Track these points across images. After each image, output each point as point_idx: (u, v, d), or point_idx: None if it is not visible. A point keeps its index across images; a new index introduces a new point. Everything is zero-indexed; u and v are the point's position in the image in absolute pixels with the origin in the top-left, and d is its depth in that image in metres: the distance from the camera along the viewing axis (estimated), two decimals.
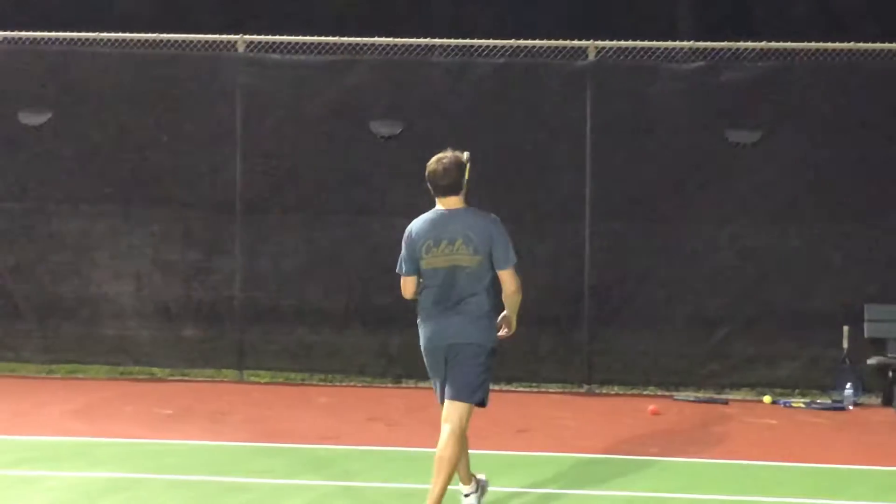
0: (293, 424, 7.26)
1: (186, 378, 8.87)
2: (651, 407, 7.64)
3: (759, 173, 8.15)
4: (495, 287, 4.63)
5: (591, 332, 8.21)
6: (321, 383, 8.80)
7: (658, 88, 8.21)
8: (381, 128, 8.44)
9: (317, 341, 8.60)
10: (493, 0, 13.55)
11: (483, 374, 4.60)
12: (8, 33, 8.55)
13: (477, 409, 4.65)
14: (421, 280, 4.66)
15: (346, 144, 8.43)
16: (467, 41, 8.46)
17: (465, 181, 4.59)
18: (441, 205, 4.64)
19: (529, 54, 8.30)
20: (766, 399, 8.06)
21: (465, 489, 4.80)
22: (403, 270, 4.69)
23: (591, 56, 8.23)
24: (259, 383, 8.83)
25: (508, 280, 4.61)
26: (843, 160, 8.10)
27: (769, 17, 11.92)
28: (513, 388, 8.52)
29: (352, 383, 8.72)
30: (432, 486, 4.44)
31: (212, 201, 8.53)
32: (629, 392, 8.09)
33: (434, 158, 4.62)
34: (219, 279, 8.63)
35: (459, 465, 4.61)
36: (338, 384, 8.76)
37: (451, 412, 4.52)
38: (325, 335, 8.54)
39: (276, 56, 8.55)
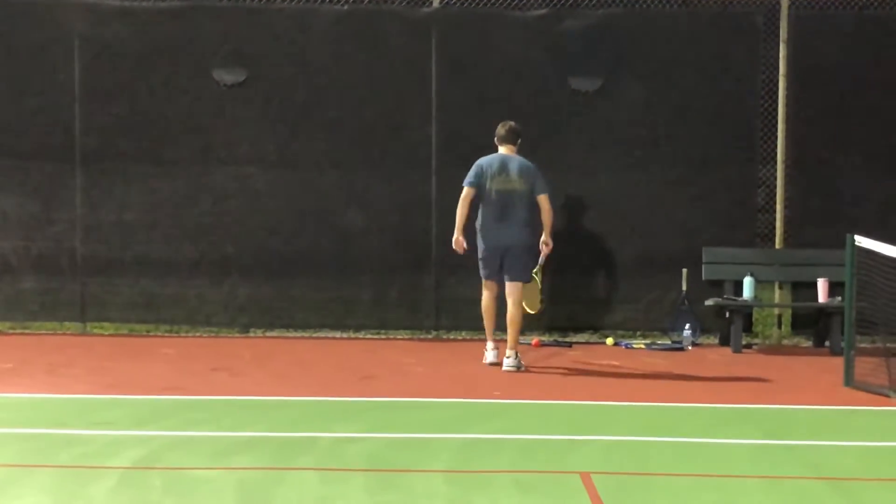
0: (136, 376, 7.10)
1: (28, 331, 8.59)
2: (534, 340, 7.82)
3: (601, 121, 8.08)
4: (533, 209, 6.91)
5: (439, 278, 8.08)
6: (167, 334, 8.62)
7: (503, 36, 8.05)
8: (225, 75, 8.15)
9: (161, 292, 8.38)
10: None
11: (528, 262, 7.00)
12: None
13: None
14: (481, 200, 6.89)
15: (188, 93, 8.10)
16: None
17: (518, 140, 7.01)
18: (504, 150, 6.99)
19: (374, 1, 8.02)
20: (609, 341, 8.13)
21: (509, 352, 6.94)
22: (469, 183, 6.88)
23: (436, 3, 8.05)
24: (103, 335, 8.60)
25: (545, 203, 6.88)
26: (682, 109, 8.10)
27: None
28: (361, 336, 8.41)
29: (198, 334, 8.55)
30: (508, 339, 6.86)
31: (50, 151, 8.15)
32: (476, 337, 7.95)
33: (501, 123, 7.02)
34: (59, 231, 8.30)
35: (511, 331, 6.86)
36: (184, 335, 8.59)
37: (512, 289, 6.86)
38: (170, 286, 8.31)
39: (115, 2, 8.12)
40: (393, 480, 4.58)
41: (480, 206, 6.95)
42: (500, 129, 6.96)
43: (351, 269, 8.24)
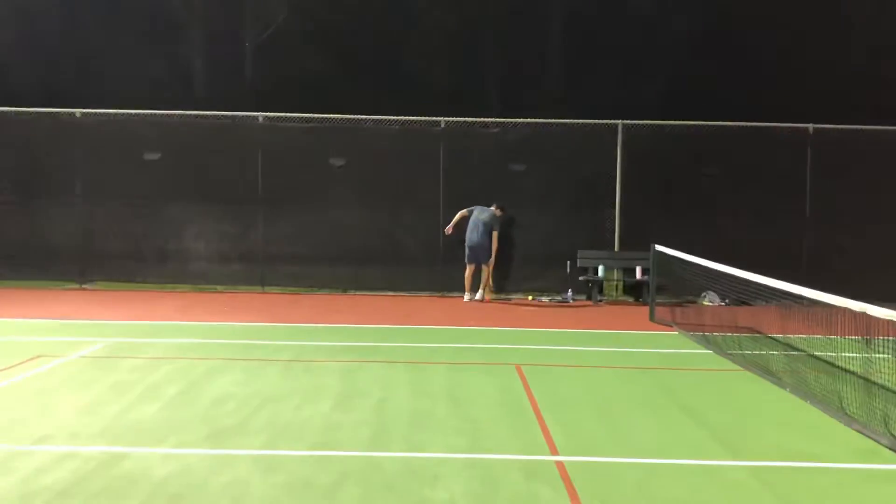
0: (291, 314, 11.97)
1: (232, 291, 14.24)
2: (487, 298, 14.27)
3: (527, 188, 14.31)
4: None
5: (443, 264, 14.83)
6: (308, 293, 14.26)
7: (477, 141, 14.42)
8: (335, 161, 14.42)
9: (306, 271, 14.25)
10: None
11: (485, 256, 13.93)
12: None
13: None
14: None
15: (317, 170, 14.19)
16: None
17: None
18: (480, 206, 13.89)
19: (407, 123, 14.54)
20: (530, 297, 14.67)
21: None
22: (467, 209, 14.01)
23: (443, 125, 14.58)
24: (273, 294, 14.23)
25: (494, 235, 13.86)
26: (568, 180, 14.38)
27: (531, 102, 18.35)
28: (403, 294, 14.88)
29: (322, 292, 14.41)
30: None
31: (244, 198, 14.28)
32: (458, 296, 14.61)
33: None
34: (250, 240, 14.32)
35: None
36: (316, 293, 14.31)
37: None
38: (309, 269, 14.22)
39: (279, 123, 14.47)
40: (418, 368, 8.09)
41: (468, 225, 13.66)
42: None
43: (394, 258, 14.53)
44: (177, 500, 4.73)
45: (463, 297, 13.95)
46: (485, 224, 13.76)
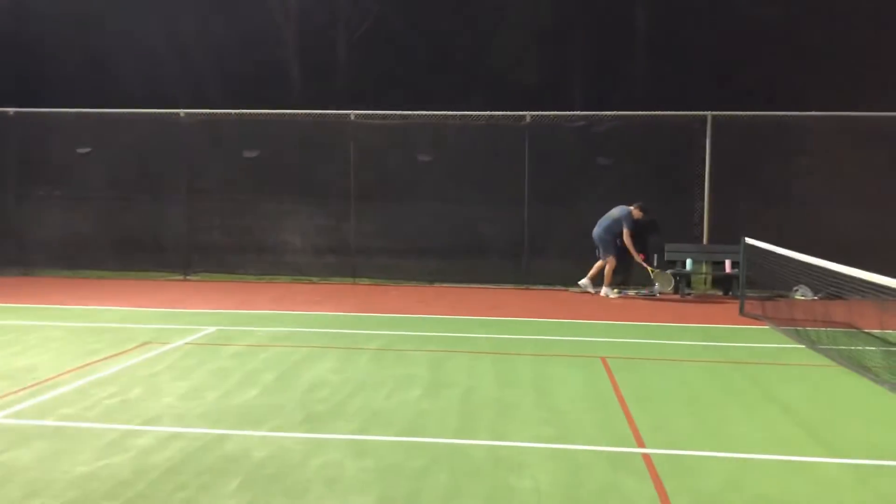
0: (381, 305, 12.19)
1: (326, 283, 14.62)
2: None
3: (614, 181, 14.05)
4: None
5: (527, 256, 14.79)
6: (394, 285, 14.43)
7: (563, 136, 14.39)
8: (422, 157, 14.67)
9: (395, 262, 14.44)
10: None
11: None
12: None
13: None
14: None
15: (404, 165, 14.42)
16: None
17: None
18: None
19: (493, 118, 14.54)
20: (616, 291, 14.53)
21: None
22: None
23: (528, 120, 14.55)
24: (363, 285, 14.46)
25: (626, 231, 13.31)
26: (649, 172, 14.07)
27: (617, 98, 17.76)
28: (486, 286, 14.96)
29: (410, 284, 14.63)
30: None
31: (338, 194, 14.71)
32: (535, 288, 14.55)
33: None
34: (342, 233, 14.66)
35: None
36: (403, 285, 14.49)
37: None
38: (398, 259, 14.47)
39: (369, 121, 14.78)
40: (504, 359, 8.15)
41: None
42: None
43: (479, 251, 14.59)
44: (274, 480, 4.89)
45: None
46: (614, 220, 13.51)
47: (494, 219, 14.60)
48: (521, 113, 14.35)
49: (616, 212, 13.43)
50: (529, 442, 5.63)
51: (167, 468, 5.05)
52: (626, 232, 13.34)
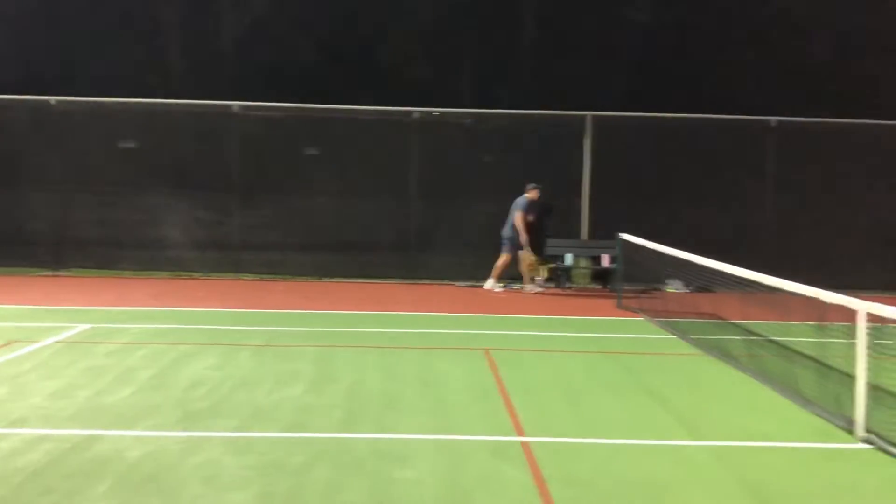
0: (260, 301, 11.92)
1: (210, 278, 14.25)
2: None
3: (499, 177, 14.19)
4: None
5: (416, 250, 14.85)
6: (274, 280, 14.16)
7: (449, 133, 14.55)
8: (310, 151, 14.63)
9: (279, 258, 14.25)
10: None
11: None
12: None
13: None
14: None
15: (293, 161, 14.32)
16: None
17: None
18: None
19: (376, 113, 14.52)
20: (501, 285, 14.80)
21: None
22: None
23: (416, 116, 14.52)
24: (247, 281, 14.23)
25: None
26: (531, 168, 14.13)
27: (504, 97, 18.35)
28: (375, 281, 14.98)
29: (289, 279, 14.56)
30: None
31: (217, 187, 14.38)
32: (429, 283, 14.66)
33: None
34: (227, 229, 14.48)
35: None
36: (284, 280, 14.42)
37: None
38: (281, 255, 14.28)
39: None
40: (389, 353, 8.15)
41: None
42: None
43: (367, 245, 14.49)
44: (149, 481, 4.72)
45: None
46: (514, 212, 13.47)
47: (382, 213, 14.59)
48: (408, 109, 14.38)
49: (515, 204, 13.40)
50: (413, 434, 5.67)
51: (32, 472, 4.79)
52: (519, 214, 13.24)
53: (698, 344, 9.12)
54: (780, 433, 5.93)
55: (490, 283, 13.62)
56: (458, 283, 14.23)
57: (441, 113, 14.51)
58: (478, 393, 6.84)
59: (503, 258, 13.55)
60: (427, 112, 14.43)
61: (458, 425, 5.90)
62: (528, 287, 13.54)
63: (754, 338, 9.18)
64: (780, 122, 14.69)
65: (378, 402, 6.46)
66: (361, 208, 14.54)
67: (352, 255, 14.54)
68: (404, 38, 19.69)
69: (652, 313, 11.19)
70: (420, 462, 5.10)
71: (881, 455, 5.43)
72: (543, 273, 13.70)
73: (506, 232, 13.44)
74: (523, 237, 13.27)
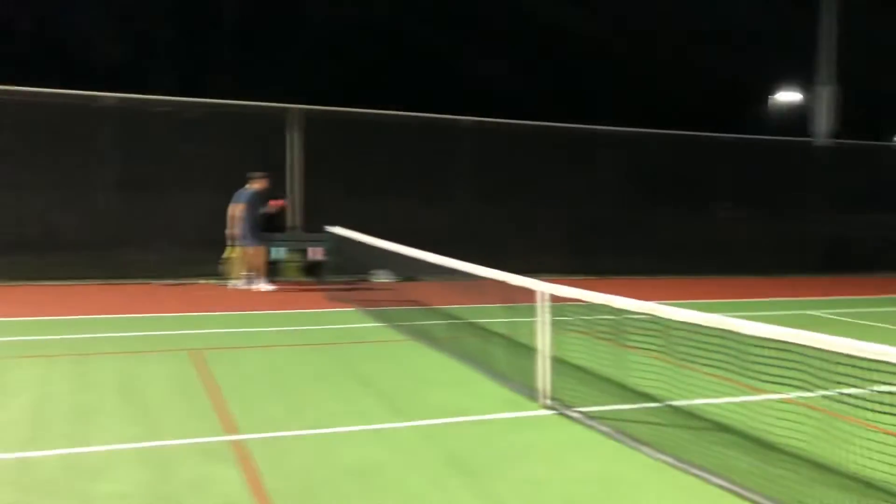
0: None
1: None
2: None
3: (204, 170, 13.63)
4: None
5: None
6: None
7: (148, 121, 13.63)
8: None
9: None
10: None
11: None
12: None
13: None
14: None
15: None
16: None
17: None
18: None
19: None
20: (211, 282, 14.26)
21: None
22: None
23: (109, 101, 13.34)
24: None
25: None
26: (240, 161, 13.71)
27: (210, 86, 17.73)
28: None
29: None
30: None
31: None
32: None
33: None
34: None
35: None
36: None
37: None
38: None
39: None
40: (84, 361, 7.54)
41: None
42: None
43: (51, 244, 12.98)
44: None
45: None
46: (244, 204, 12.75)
47: (70, 209, 13.24)
48: (95, 93, 13.21)
49: (238, 196, 12.65)
50: (113, 444, 5.26)
51: None
52: (238, 205, 12.54)
53: (405, 330, 9.53)
54: (476, 407, 6.40)
55: (261, 285, 12.91)
56: (154, 282, 13.37)
57: (138, 100, 13.53)
58: (185, 395, 6.54)
59: (257, 252, 12.88)
60: (122, 98, 13.37)
61: (163, 431, 5.59)
62: (237, 282, 13.09)
63: (455, 321, 9.81)
64: (473, 122, 15.78)
65: (70, 415, 5.90)
66: (46, 202, 13.10)
67: (37, 254, 13.03)
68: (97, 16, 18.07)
69: (362, 303, 11.47)
70: (122, 474, 4.76)
71: (562, 419, 6.10)
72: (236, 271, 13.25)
73: (239, 228, 12.72)
74: (236, 230, 12.70)
